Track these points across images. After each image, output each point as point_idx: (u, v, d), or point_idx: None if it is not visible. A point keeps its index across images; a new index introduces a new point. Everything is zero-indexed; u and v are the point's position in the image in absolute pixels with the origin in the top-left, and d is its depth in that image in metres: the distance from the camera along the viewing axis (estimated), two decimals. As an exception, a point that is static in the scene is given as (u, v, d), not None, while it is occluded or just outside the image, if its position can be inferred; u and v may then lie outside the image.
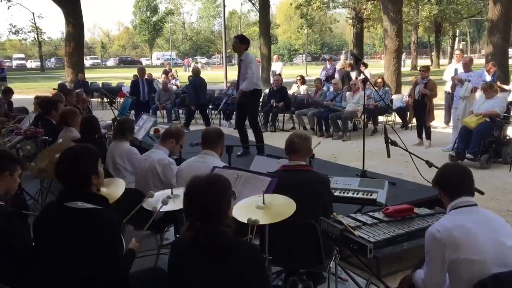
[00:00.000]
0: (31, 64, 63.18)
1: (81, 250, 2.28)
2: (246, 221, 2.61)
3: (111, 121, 6.58)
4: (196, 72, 12.02)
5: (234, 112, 12.54)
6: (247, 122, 7.35)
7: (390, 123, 11.44)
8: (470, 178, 2.59)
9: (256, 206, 2.81)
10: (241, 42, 6.95)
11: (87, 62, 51.07)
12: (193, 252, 2.16)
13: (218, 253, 2.11)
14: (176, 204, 3.06)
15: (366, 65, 6.51)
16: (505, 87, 10.45)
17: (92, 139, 4.76)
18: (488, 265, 2.29)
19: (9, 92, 10.03)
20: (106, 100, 6.91)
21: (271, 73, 19.37)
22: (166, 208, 3.05)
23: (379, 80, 11.34)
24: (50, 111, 6.02)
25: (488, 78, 9.77)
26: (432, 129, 9.50)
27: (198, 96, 11.37)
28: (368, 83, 6.94)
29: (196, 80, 11.60)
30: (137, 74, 12.54)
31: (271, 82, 14.34)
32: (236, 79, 7.40)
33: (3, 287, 2.25)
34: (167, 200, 3.09)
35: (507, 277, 2.26)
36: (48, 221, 2.41)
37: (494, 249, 2.32)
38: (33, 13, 52.07)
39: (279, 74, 13.86)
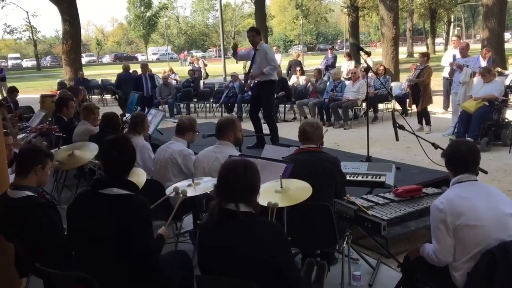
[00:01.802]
0: (27, 63, 62.94)
1: (117, 233, 2.44)
2: (266, 205, 2.77)
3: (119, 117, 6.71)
4: (125, 68, 13.95)
5: (236, 104, 12.81)
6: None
7: (390, 110, 11.62)
8: (475, 156, 2.76)
9: (275, 191, 2.99)
10: (258, 34, 7.09)
11: (83, 59, 50.90)
12: (222, 231, 2.31)
13: (246, 232, 2.27)
14: (197, 190, 3.23)
15: (368, 54, 6.63)
16: (506, 72, 10.62)
17: (111, 134, 4.91)
18: (488, 230, 2.50)
19: (14, 91, 10.12)
20: (114, 97, 7.05)
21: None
22: (189, 194, 3.21)
23: (381, 68, 11.50)
24: (61, 108, 6.17)
25: (484, 64, 9.94)
26: (431, 115, 9.69)
27: (125, 89, 12.21)
28: (370, 71, 7.08)
29: (125, 75, 13.51)
30: (136, 70, 12.74)
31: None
32: (244, 71, 7.52)
33: (47, 270, 2.40)
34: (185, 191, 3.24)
35: (511, 245, 2.44)
36: (84, 208, 2.56)
37: (494, 216, 2.54)
38: (27, 12, 52.08)
39: (278, 66, 14.01)
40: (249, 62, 7.08)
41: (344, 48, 45.12)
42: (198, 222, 3.50)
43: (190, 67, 21.87)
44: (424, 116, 9.46)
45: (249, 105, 12.73)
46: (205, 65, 19.38)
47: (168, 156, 4.26)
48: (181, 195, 3.18)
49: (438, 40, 43.34)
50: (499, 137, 7.96)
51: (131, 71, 14.21)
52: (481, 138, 7.78)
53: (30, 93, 22.30)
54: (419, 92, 9.24)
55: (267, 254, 2.24)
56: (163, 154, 4.32)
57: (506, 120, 8.09)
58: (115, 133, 5.13)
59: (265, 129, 7.53)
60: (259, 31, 7.23)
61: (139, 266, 2.49)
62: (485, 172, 3.61)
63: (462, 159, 2.72)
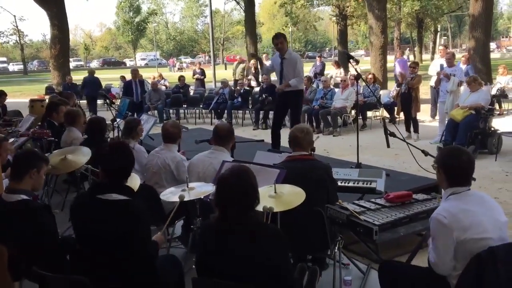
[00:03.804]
0: (13, 67, 62.42)
1: (117, 238, 2.46)
2: (261, 209, 2.81)
3: (110, 122, 6.70)
4: (90, 72, 16.06)
5: (226, 110, 12.85)
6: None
7: (378, 118, 11.77)
8: (474, 168, 2.72)
9: (269, 196, 3.03)
10: (286, 40, 6.87)
11: (70, 64, 50.50)
12: (223, 236, 2.34)
13: (247, 236, 2.30)
14: (192, 195, 3.26)
15: (357, 61, 6.71)
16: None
17: (99, 139, 4.93)
18: (493, 241, 2.52)
19: (2, 95, 10.02)
20: (105, 102, 7.07)
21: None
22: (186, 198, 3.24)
23: (370, 76, 11.66)
24: (51, 113, 6.16)
25: (464, 68, 10.12)
26: (419, 123, 9.82)
27: (89, 91, 15.16)
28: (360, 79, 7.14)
29: (89, 79, 15.44)
30: (124, 75, 12.75)
31: (260, 80, 14.60)
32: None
33: (43, 273, 2.41)
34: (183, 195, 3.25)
35: (499, 249, 2.50)
36: (84, 213, 2.58)
37: (494, 226, 2.56)
38: (15, 16, 51.72)
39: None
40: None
41: (333, 56, 45.46)
42: (191, 226, 3.54)
43: (179, 73, 21.71)
44: (413, 123, 9.60)
45: (239, 111, 13.00)
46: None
47: (160, 162, 4.26)
48: (178, 199, 3.20)
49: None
50: (486, 145, 8.09)
51: (120, 75, 15.22)
52: (467, 146, 7.88)
53: (17, 97, 22.14)
54: (408, 100, 9.38)
55: (265, 256, 2.28)
56: (155, 160, 4.32)
57: (492, 129, 8.23)
58: (102, 138, 5.16)
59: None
60: (286, 37, 6.95)
61: (137, 270, 2.51)
62: (473, 179, 3.69)
63: (463, 172, 2.66)
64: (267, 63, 19.30)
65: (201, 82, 17.51)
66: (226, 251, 2.31)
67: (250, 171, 2.46)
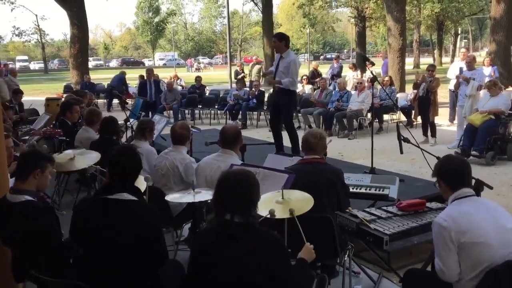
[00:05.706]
0: (34, 65, 63.38)
1: (134, 238, 2.45)
2: (268, 213, 2.72)
3: (123, 122, 6.70)
4: (122, 72, 18.16)
5: (240, 111, 12.80)
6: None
7: (395, 121, 11.58)
8: (470, 170, 2.75)
9: (276, 201, 2.94)
10: (280, 40, 6.82)
11: (90, 63, 51.05)
12: (220, 242, 2.27)
13: (245, 243, 2.23)
14: (197, 198, 3.20)
15: (372, 64, 6.61)
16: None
17: (110, 139, 4.90)
18: (493, 247, 2.46)
19: (18, 93, 10.14)
20: (118, 101, 7.11)
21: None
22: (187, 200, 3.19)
23: (386, 78, 11.50)
24: (65, 112, 6.17)
25: (487, 70, 9.88)
26: (437, 127, 9.63)
27: (114, 84, 17.09)
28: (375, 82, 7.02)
29: (118, 75, 17.67)
30: (143, 75, 12.80)
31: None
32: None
33: (42, 278, 2.37)
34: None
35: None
36: (96, 212, 2.55)
37: (497, 232, 2.50)
38: (36, 15, 52.49)
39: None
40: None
41: (351, 58, 45.14)
42: (197, 230, 3.47)
43: (196, 73, 21.64)
44: (430, 128, 9.41)
45: (254, 113, 12.95)
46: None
47: (169, 164, 4.21)
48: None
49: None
50: (505, 151, 7.89)
51: (137, 75, 16.35)
52: (486, 151, 7.71)
53: (37, 95, 22.42)
54: (426, 103, 9.20)
55: (266, 265, 2.21)
56: (164, 161, 4.26)
57: (512, 134, 8.03)
58: (116, 138, 5.13)
59: (270, 137, 7.49)
60: (281, 37, 6.90)
61: (141, 275, 2.46)
62: (491, 188, 3.56)
63: (458, 174, 2.69)
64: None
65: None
66: (220, 258, 2.24)
67: (249, 176, 2.38)
